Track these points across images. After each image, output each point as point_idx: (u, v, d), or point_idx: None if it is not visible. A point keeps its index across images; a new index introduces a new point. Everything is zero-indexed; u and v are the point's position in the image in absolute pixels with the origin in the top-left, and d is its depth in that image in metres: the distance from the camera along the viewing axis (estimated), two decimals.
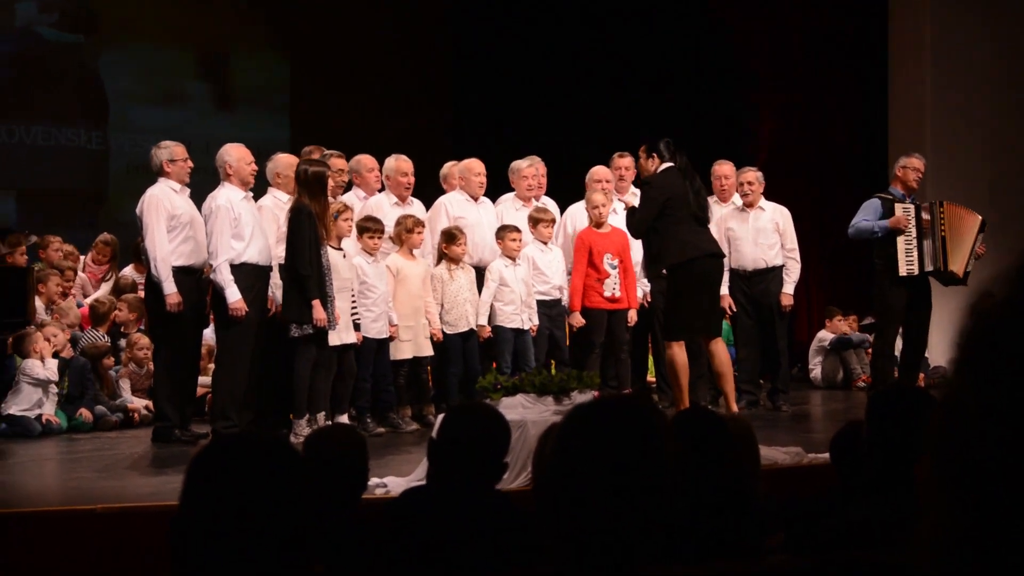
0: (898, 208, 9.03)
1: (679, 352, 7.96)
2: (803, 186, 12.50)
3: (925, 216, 9.01)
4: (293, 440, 7.46)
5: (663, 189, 7.96)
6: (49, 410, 8.55)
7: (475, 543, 3.10)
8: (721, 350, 8.09)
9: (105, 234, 10.88)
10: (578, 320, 9.28)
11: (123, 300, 9.80)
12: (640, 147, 8.28)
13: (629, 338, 9.51)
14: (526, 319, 9.10)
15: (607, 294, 9.29)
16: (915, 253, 8.98)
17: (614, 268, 9.27)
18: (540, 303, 9.24)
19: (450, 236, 8.83)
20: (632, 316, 9.46)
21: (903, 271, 8.97)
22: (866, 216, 9.15)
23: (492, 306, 9.04)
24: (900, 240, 8.97)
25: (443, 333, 8.85)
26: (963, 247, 9.04)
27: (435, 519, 3.16)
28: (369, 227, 8.48)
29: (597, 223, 9.32)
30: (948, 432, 1.15)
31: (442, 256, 8.92)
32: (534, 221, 9.28)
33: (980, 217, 9.14)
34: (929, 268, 8.99)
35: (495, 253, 9.19)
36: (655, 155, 8.10)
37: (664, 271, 8.28)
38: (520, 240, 9.09)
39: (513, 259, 9.07)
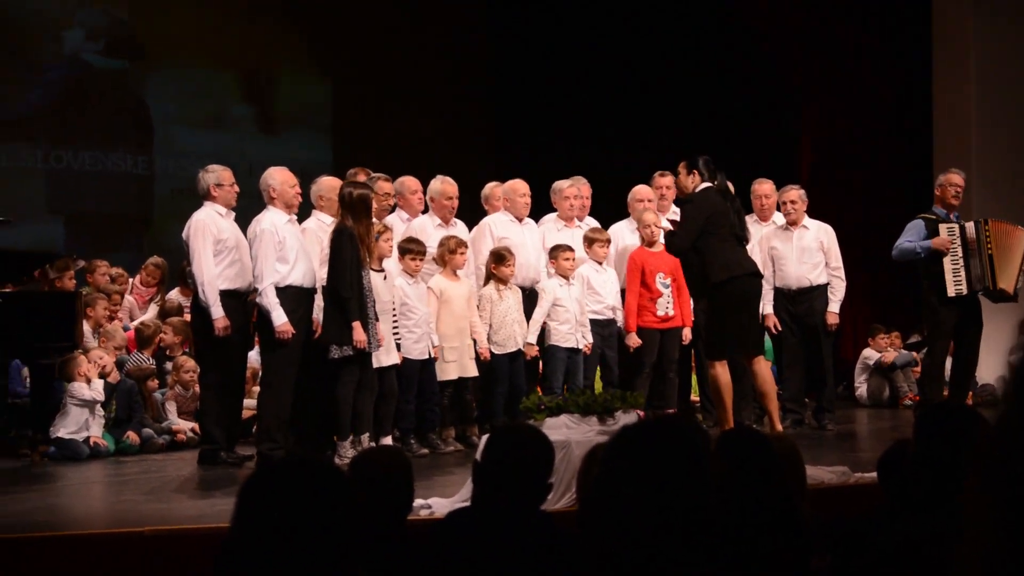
0: (942, 229, 8.96)
1: (722, 371, 7.93)
2: (847, 204, 12.43)
3: (970, 235, 8.93)
4: (338, 462, 7.49)
5: (703, 207, 7.93)
6: (96, 432, 8.61)
7: (520, 564, 3.10)
8: (764, 368, 8.04)
9: (156, 257, 10.99)
10: (635, 340, 9.28)
11: (168, 323, 9.88)
12: (680, 163, 8.25)
13: (679, 357, 9.50)
14: (580, 338, 9.11)
15: (660, 313, 9.30)
16: (962, 273, 8.89)
17: (667, 287, 9.26)
18: (593, 322, 9.24)
19: (499, 257, 8.85)
20: (687, 334, 9.44)
21: (951, 292, 8.88)
22: (909, 237, 9.09)
23: (545, 325, 9.05)
24: (946, 260, 8.90)
25: (490, 353, 8.86)
26: (1011, 263, 8.94)
27: (480, 540, 3.16)
28: (411, 248, 8.51)
29: (649, 242, 9.31)
30: (998, 451, 1.14)
31: (490, 276, 8.94)
32: (589, 241, 9.31)
33: None
34: (977, 288, 8.91)
35: (539, 273, 9.21)
36: (695, 172, 8.08)
37: (709, 287, 8.22)
38: (573, 259, 9.11)
39: (567, 278, 9.08)
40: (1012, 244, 8.99)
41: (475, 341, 8.80)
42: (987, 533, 1.13)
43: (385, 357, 8.15)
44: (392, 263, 8.45)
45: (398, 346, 8.34)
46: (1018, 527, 1.10)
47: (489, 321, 8.85)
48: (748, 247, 8.30)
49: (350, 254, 7.69)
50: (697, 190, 8.04)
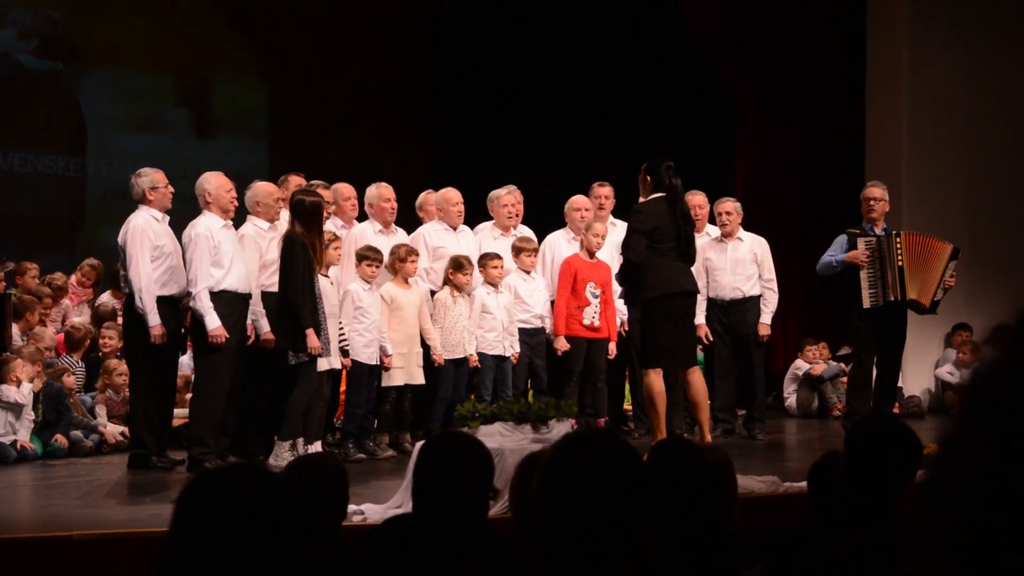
0: (860, 243, 9.07)
1: (656, 379, 7.88)
2: (780, 216, 12.55)
3: (884, 247, 9.05)
4: (273, 463, 7.51)
5: (647, 219, 7.80)
6: (24, 436, 8.49)
7: (458, 571, 3.11)
8: (697, 379, 8.04)
9: (92, 258, 10.88)
10: (563, 344, 9.30)
11: (110, 328, 9.73)
12: (645, 164, 8.01)
13: (606, 368, 9.53)
14: (507, 346, 9.14)
15: (586, 322, 9.32)
16: (878, 285, 9.02)
17: (595, 297, 9.28)
18: (521, 331, 9.27)
19: (458, 264, 8.91)
20: (612, 349, 9.47)
21: (866, 303, 9.02)
22: (833, 251, 9.24)
23: None
24: (863, 273, 9.03)
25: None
26: (927, 276, 9.05)
27: (420, 549, 3.16)
28: (369, 256, 8.55)
29: (591, 252, 9.32)
30: (951, 477, 1.14)
31: (447, 282, 8.99)
32: (517, 250, 9.33)
33: (950, 246, 9.15)
34: (890, 299, 9.01)
35: (476, 281, 9.23)
36: (651, 180, 7.91)
37: (641, 301, 8.15)
38: (502, 268, 9.13)
39: (495, 286, 9.10)
40: (929, 257, 9.09)
41: (425, 349, 8.82)
42: (937, 563, 1.13)
43: (327, 362, 8.14)
44: (335, 269, 8.47)
45: (344, 352, 8.35)
46: (969, 559, 1.11)
47: (442, 325, 8.88)
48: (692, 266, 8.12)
49: (302, 262, 7.70)
50: (648, 200, 7.93)
